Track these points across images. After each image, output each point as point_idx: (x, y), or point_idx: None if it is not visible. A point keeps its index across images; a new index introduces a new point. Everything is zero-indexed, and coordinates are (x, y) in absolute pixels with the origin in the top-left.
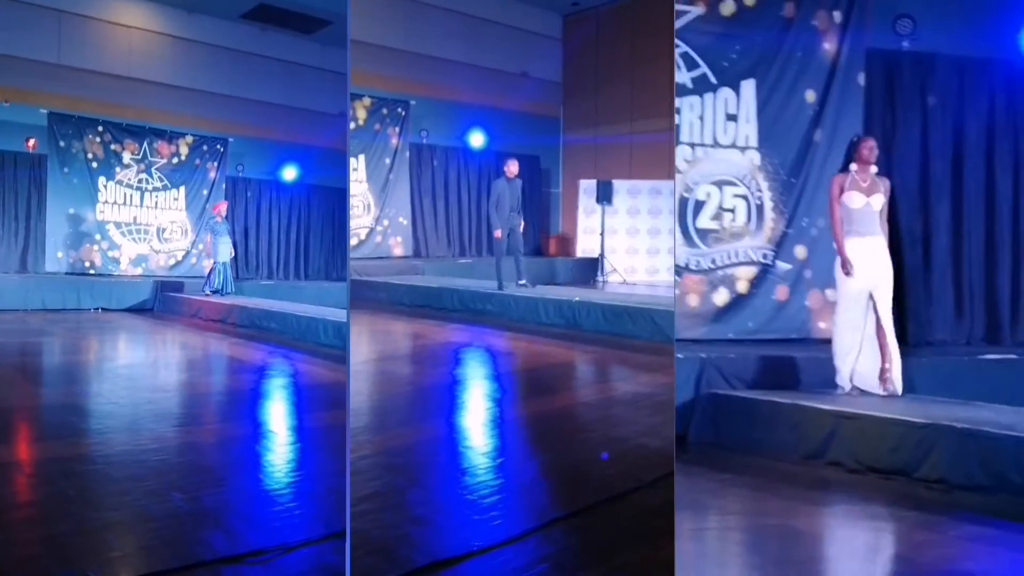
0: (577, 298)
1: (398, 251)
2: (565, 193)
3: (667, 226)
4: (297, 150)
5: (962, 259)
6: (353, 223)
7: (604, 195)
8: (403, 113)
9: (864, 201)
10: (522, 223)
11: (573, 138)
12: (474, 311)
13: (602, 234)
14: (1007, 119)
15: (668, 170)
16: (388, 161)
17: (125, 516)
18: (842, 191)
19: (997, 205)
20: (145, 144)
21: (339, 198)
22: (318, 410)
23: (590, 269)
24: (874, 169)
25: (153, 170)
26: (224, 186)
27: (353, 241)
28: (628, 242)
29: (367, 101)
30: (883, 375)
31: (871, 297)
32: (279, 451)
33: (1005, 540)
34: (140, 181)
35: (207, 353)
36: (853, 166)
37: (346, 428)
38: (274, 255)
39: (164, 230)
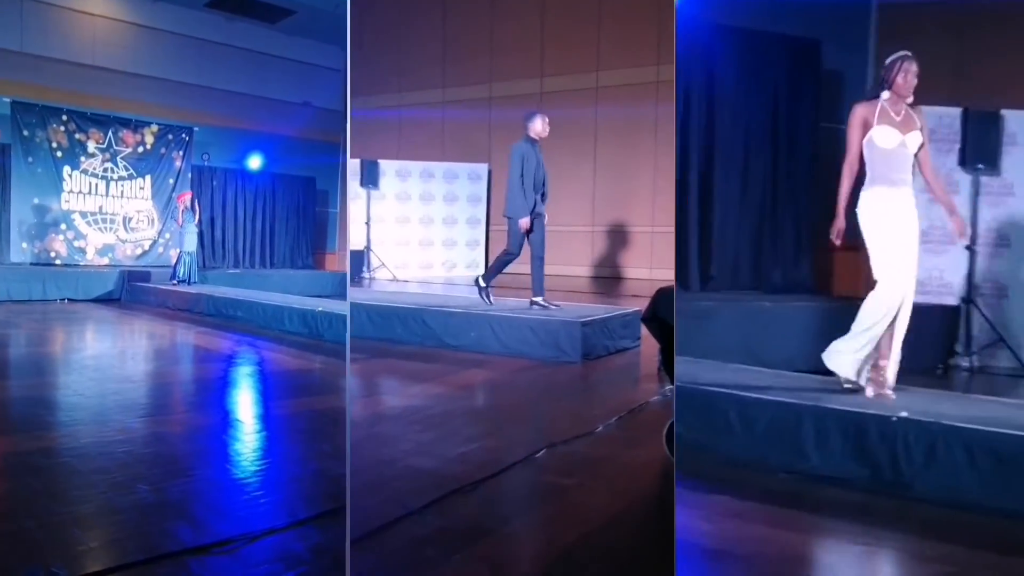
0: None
1: None
2: None
3: (441, 215)
4: (262, 139)
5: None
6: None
7: (370, 178)
8: None
9: (898, 139)
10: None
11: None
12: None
13: (368, 223)
14: None
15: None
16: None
17: (91, 509)
18: (867, 126)
19: None
20: (110, 133)
21: (304, 187)
22: (284, 398)
23: (354, 264)
24: (909, 99)
25: (118, 159)
26: (190, 175)
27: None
28: (398, 232)
29: None
30: (879, 372)
31: None
32: (245, 440)
33: None
34: (105, 170)
35: (174, 342)
36: (885, 94)
37: (346, 424)
38: (240, 243)
39: (130, 219)
